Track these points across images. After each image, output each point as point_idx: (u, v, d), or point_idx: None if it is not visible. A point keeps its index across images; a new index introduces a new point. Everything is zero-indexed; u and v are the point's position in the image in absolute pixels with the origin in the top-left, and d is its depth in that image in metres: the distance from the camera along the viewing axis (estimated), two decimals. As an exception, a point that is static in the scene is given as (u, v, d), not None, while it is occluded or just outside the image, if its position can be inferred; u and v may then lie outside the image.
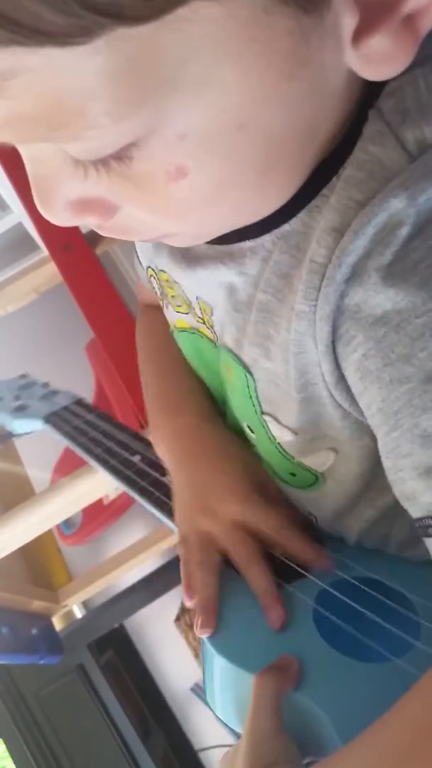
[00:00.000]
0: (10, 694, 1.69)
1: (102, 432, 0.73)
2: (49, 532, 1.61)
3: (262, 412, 0.46)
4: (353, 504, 0.51)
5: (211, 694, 0.47)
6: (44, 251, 2.21)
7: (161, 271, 0.52)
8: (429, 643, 0.42)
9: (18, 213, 2.16)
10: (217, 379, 0.54)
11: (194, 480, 0.54)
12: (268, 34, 0.26)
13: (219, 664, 0.45)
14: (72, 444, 0.73)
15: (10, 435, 0.87)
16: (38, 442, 1.57)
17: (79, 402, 0.84)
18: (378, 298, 0.32)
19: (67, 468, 1.67)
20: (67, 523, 1.70)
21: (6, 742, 1.74)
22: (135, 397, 1.02)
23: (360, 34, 0.28)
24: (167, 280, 0.52)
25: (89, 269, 1.19)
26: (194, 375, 0.60)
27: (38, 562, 1.42)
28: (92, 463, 0.69)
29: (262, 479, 0.53)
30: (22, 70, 0.23)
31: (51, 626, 1.40)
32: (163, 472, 0.61)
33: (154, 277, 0.55)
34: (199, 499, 0.53)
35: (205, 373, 0.57)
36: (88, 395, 1.71)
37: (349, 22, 0.27)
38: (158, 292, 0.56)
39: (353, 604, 0.45)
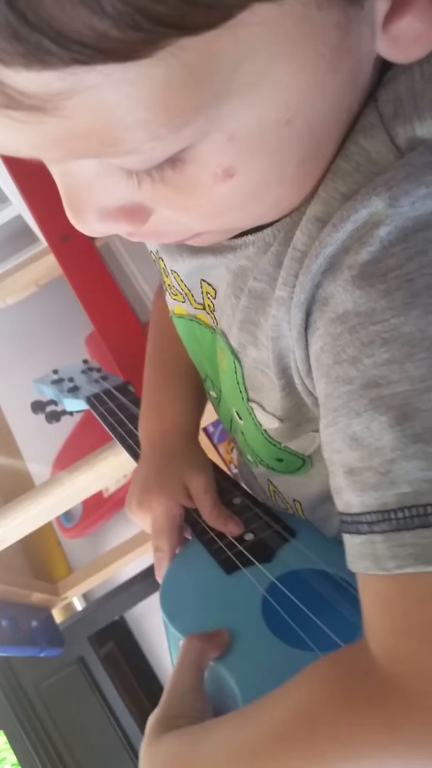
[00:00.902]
0: (10, 687, 1.69)
1: (129, 414, 0.80)
2: (49, 525, 1.61)
3: (249, 399, 0.46)
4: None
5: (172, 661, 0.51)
6: (43, 243, 2.21)
7: (159, 258, 0.52)
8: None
9: (17, 205, 2.15)
10: (213, 365, 0.55)
11: (151, 472, 0.62)
12: (320, 29, 0.26)
13: (172, 633, 0.50)
14: (102, 423, 0.82)
15: (64, 412, 0.99)
16: (38, 436, 1.57)
17: (121, 386, 0.92)
18: (344, 295, 0.32)
19: (66, 462, 1.67)
20: (67, 515, 1.70)
21: (7, 735, 1.74)
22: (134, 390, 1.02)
23: (391, 18, 0.28)
24: (163, 269, 0.52)
25: (88, 260, 1.18)
26: (184, 373, 0.66)
27: (38, 555, 1.42)
28: (116, 441, 0.77)
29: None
30: (81, 89, 0.23)
31: (51, 619, 1.40)
32: None
33: (156, 263, 0.55)
34: (149, 483, 0.61)
35: (201, 359, 0.57)
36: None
37: (382, 6, 0.27)
38: (160, 278, 0.57)
39: (303, 596, 0.48)
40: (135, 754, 1.62)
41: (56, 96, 0.23)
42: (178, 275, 0.50)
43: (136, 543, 1.41)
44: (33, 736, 1.68)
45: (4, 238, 2.31)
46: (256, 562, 0.52)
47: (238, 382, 0.46)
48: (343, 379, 0.32)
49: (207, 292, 0.47)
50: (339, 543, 0.52)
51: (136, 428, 0.74)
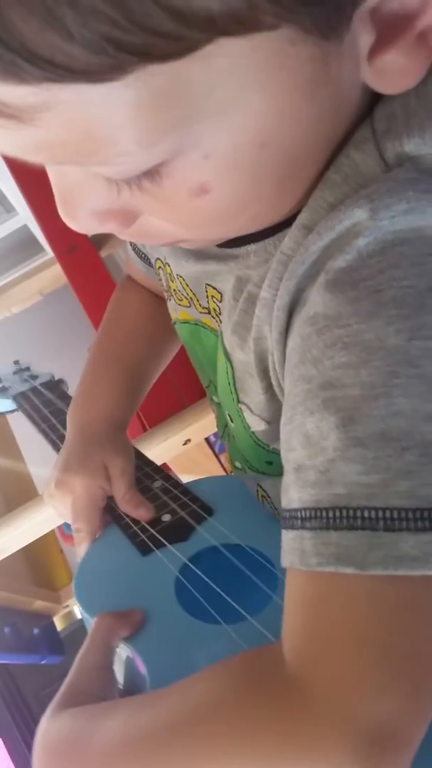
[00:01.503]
0: (10, 694, 1.69)
1: (54, 410, 0.82)
2: (52, 533, 1.61)
3: (239, 401, 0.47)
4: None
5: None
6: (49, 253, 2.22)
7: (167, 264, 0.53)
8: (267, 615, 0.45)
9: (23, 215, 2.16)
10: (215, 370, 0.55)
11: (73, 455, 0.63)
12: (292, 62, 0.27)
13: (86, 618, 0.50)
14: (29, 420, 0.83)
15: None
16: (42, 442, 1.58)
17: (49, 383, 0.94)
18: (317, 298, 0.33)
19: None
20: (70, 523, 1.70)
21: (6, 743, 1.74)
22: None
23: (375, 51, 0.29)
24: (170, 273, 0.53)
25: (94, 271, 1.19)
26: (124, 366, 0.69)
27: (40, 563, 1.43)
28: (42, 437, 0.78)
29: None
30: (55, 104, 0.24)
31: (53, 627, 1.41)
32: None
33: (162, 269, 0.56)
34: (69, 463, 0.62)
35: (205, 364, 0.58)
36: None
37: (366, 40, 0.28)
38: (164, 284, 0.57)
39: (215, 571, 0.49)
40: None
41: (32, 108, 0.24)
42: (184, 280, 0.51)
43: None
44: (32, 744, 1.68)
45: (9, 247, 2.33)
46: (167, 544, 0.53)
47: (229, 383, 0.47)
48: (304, 377, 0.33)
49: (212, 296, 0.49)
50: (259, 518, 0.54)
51: (61, 423, 0.75)
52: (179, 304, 0.54)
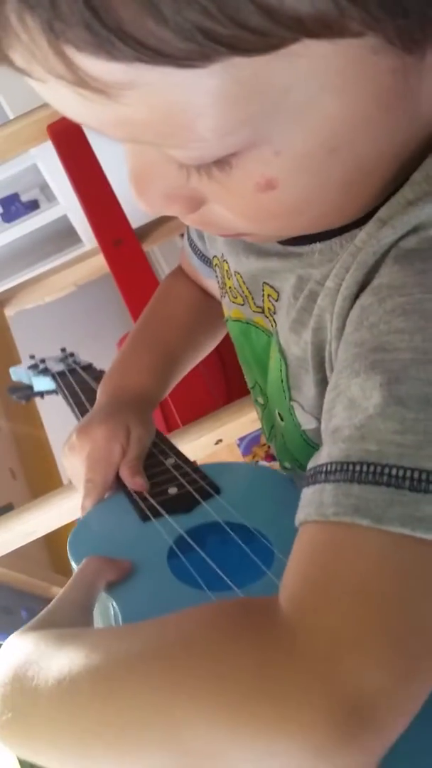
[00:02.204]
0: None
1: (86, 388, 0.85)
2: (73, 521, 1.63)
3: (291, 399, 0.48)
4: None
5: None
6: (86, 245, 2.24)
7: (224, 261, 0.54)
8: (257, 589, 0.44)
9: (64, 205, 2.18)
10: (263, 371, 0.56)
11: (97, 413, 0.65)
12: (373, 71, 0.27)
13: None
14: (62, 397, 0.87)
15: (33, 393, 1.02)
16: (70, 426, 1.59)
17: (87, 366, 0.98)
18: (383, 271, 0.34)
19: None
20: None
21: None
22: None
23: None
24: (227, 271, 0.54)
25: (137, 265, 1.21)
26: (163, 352, 0.70)
27: (59, 548, 1.44)
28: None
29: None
30: (141, 84, 0.25)
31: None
32: None
33: (219, 266, 0.57)
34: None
35: (252, 364, 0.59)
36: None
37: None
38: (219, 281, 0.58)
39: (212, 545, 0.49)
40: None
41: (119, 85, 0.25)
42: (241, 277, 0.51)
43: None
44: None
45: (48, 236, 2.35)
46: (166, 514, 0.53)
47: (282, 381, 0.48)
48: (357, 342, 0.33)
49: (269, 295, 0.49)
50: (267, 505, 0.55)
51: (91, 401, 0.77)
52: (233, 302, 0.55)
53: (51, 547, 1.41)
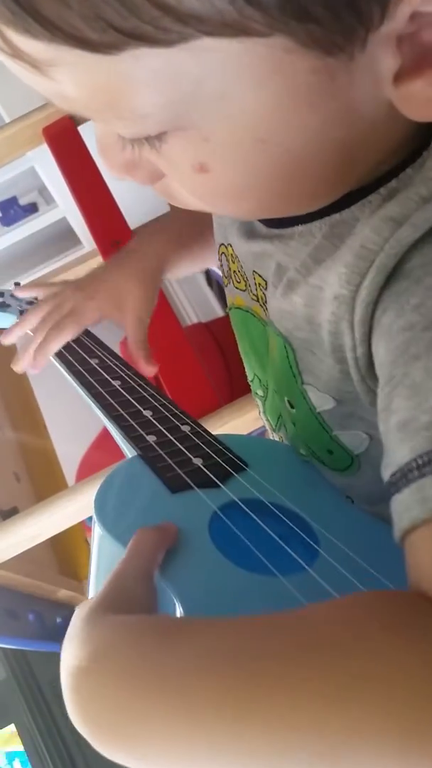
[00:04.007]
0: (26, 682, 1.70)
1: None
2: (79, 523, 1.63)
3: (303, 383, 0.47)
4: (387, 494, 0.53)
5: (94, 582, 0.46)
6: (86, 247, 2.24)
7: (229, 244, 0.54)
8: (318, 573, 0.41)
9: (63, 208, 2.18)
10: (261, 360, 0.56)
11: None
12: (289, 69, 0.28)
13: (105, 543, 0.44)
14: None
15: None
16: (71, 430, 1.60)
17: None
18: (412, 254, 0.34)
19: (94, 458, 1.68)
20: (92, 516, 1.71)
21: (18, 728, 1.76)
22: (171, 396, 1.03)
23: (402, 77, 0.29)
24: (231, 254, 0.54)
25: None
26: (191, 224, 0.73)
27: (66, 552, 1.44)
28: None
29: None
30: (62, 62, 0.27)
31: (75, 616, 1.42)
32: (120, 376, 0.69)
33: (224, 254, 0.57)
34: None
35: (251, 355, 0.59)
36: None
37: (389, 64, 0.28)
38: (223, 270, 0.58)
39: (255, 518, 0.46)
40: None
41: (45, 62, 0.27)
42: (239, 261, 0.52)
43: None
44: (45, 731, 1.69)
45: (48, 239, 2.35)
46: (197, 488, 0.48)
47: (291, 367, 0.47)
48: (404, 327, 0.32)
49: (259, 284, 0.49)
50: (294, 479, 0.52)
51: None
52: (237, 287, 0.55)
53: (57, 550, 1.41)
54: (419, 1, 0.26)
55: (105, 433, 1.83)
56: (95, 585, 0.47)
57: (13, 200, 2.41)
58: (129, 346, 0.65)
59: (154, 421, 0.58)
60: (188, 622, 0.32)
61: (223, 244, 0.57)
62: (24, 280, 2.12)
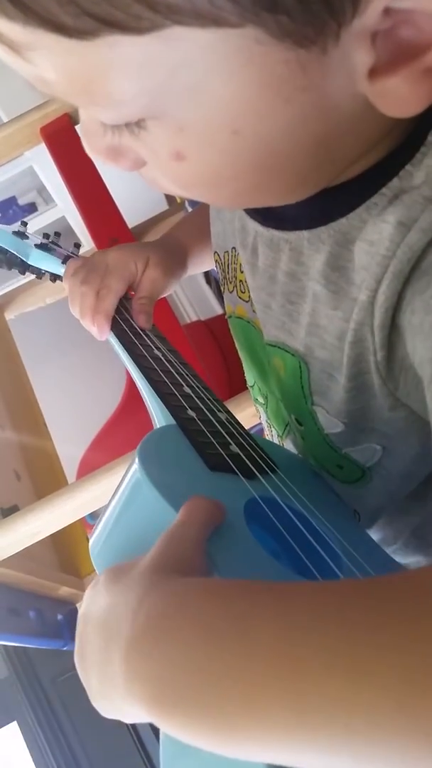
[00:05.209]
0: (27, 679, 1.71)
1: None
2: (79, 520, 1.64)
3: (313, 403, 0.47)
4: (397, 507, 0.52)
5: (110, 527, 0.43)
6: (85, 246, 2.25)
7: (237, 254, 0.54)
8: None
9: (62, 207, 2.19)
10: (262, 371, 0.56)
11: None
12: (261, 60, 0.28)
13: (144, 491, 0.41)
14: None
15: (28, 265, 0.81)
16: (72, 429, 1.60)
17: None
18: (428, 254, 0.34)
19: (94, 459, 1.69)
20: (92, 513, 1.72)
21: (20, 726, 1.77)
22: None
23: (377, 72, 0.29)
24: (240, 264, 0.53)
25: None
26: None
27: (67, 549, 1.45)
28: None
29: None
30: (39, 46, 0.27)
31: (76, 613, 1.42)
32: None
33: (219, 263, 0.57)
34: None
35: (252, 364, 0.59)
36: (117, 392, 1.73)
37: (363, 59, 0.28)
38: (229, 276, 0.58)
39: (292, 517, 0.44)
40: (147, 754, 1.64)
41: (22, 45, 0.27)
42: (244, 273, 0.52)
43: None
44: (47, 728, 1.70)
45: (47, 238, 2.35)
46: (238, 472, 0.46)
47: (302, 386, 0.47)
48: None
49: (256, 300, 0.49)
50: (319, 494, 0.51)
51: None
52: (240, 297, 0.55)
53: (58, 548, 1.42)
54: None
55: (105, 432, 1.84)
56: (114, 522, 0.43)
57: (12, 200, 2.42)
58: (134, 300, 0.66)
59: (195, 399, 0.56)
60: (273, 583, 0.27)
61: (227, 251, 0.56)
62: (23, 280, 2.13)
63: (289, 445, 0.58)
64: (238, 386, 1.10)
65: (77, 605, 1.46)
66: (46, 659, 1.67)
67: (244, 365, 0.63)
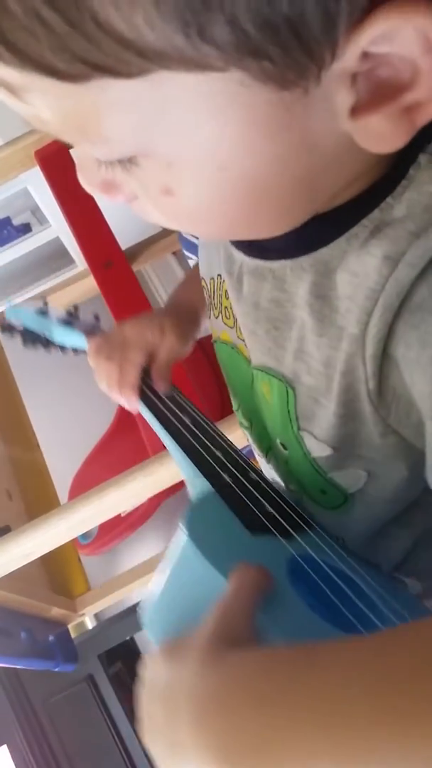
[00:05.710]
0: (18, 701, 1.69)
1: None
2: (71, 541, 1.64)
3: (299, 428, 0.48)
4: (382, 532, 0.53)
5: (164, 594, 0.45)
6: (79, 266, 2.26)
7: (224, 280, 0.54)
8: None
9: (56, 227, 2.21)
10: (247, 395, 0.56)
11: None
12: (246, 101, 0.29)
13: (193, 560, 0.43)
14: None
15: (49, 342, 0.87)
16: (63, 448, 1.60)
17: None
18: (419, 288, 0.35)
19: (86, 477, 1.69)
20: (85, 533, 1.72)
21: (10, 749, 1.74)
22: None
23: (358, 111, 0.30)
24: (226, 291, 0.54)
25: (128, 287, 1.22)
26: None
27: (59, 570, 1.44)
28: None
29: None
30: (35, 88, 0.29)
31: (68, 634, 1.42)
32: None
33: (205, 288, 0.58)
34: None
35: (238, 388, 0.59)
36: (110, 411, 1.74)
37: (344, 99, 0.29)
38: (214, 302, 0.59)
39: (332, 574, 0.45)
40: (138, 776, 1.62)
41: (19, 88, 0.29)
42: (230, 301, 0.52)
43: (156, 565, 1.43)
44: (37, 751, 1.68)
45: (42, 258, 2.37)
46: (277, 533, 0.48)
47: (289, 411, 0.47)
48: None
49: (242, 325, 0.50)
50: (347, 557, 0.51)
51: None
52: (225, 323, 0.56)
53: (49, 568, 1.41)
54: (367, 42, 0.27)
55: (98, 451, 1.84)
56: (164, 589, 0.45)
57: (6, 221, 2.44)
58: (153, 369, 0.68)
59: (227, 462, 0.57)
60: (319, 646, 0.30)
61: (213, 277, 0.57)
62: (18, 299, 2.14)
63: (270, 471, 0.59)
64: (231, 404, 1.11)
65: (69, 626, 1.46)
66: (36, 681, 1.66)
67: (229, 388, 0.63)
